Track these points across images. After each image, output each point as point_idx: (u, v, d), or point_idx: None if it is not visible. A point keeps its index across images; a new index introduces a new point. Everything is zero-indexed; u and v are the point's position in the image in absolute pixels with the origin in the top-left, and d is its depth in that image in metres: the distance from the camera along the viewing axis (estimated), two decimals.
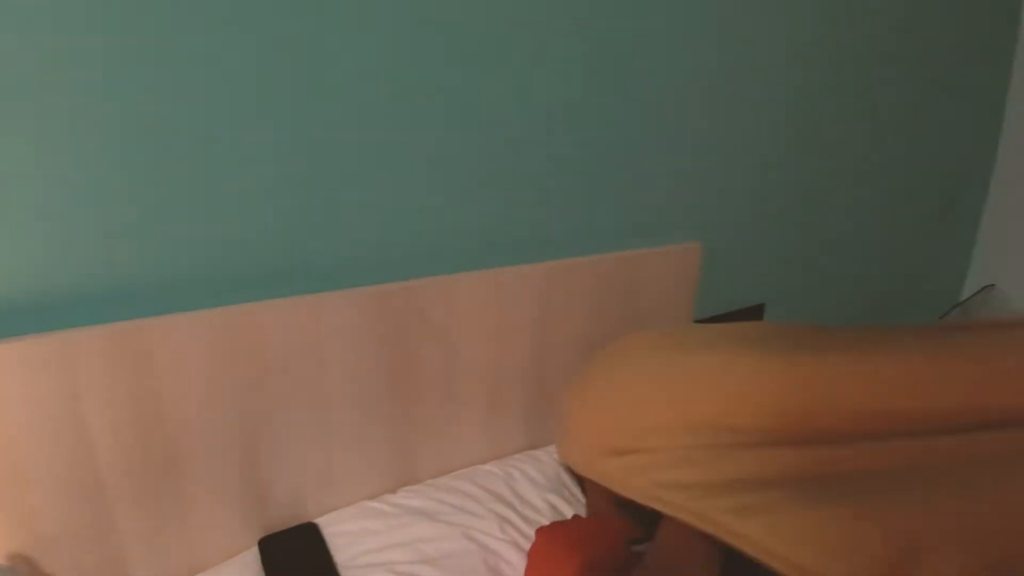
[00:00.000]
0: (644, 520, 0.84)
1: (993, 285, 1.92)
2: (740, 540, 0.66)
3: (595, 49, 1.02)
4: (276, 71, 0.77)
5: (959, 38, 1.68)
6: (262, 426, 0.85)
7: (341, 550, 0.89)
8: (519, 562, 0.87)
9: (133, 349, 0.73)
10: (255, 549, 0.88)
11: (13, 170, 0.66)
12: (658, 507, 0.75)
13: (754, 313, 1.40)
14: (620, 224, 1.16)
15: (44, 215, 0.69)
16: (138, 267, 0.76)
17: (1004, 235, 1.94)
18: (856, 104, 1.50)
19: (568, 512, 1.00)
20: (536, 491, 1.03)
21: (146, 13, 0.68)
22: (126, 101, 0.70)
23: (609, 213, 1.14)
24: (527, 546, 0.89)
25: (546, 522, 0.97)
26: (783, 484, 0.69)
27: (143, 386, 0.75)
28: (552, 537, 0.81)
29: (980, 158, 1.93)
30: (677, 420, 0.79)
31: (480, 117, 0.94)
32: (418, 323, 0.93)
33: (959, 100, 1.77)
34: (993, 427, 0.73)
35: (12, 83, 0.64)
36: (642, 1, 1.05)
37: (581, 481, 1.01)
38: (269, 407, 0.85)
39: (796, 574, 0.62)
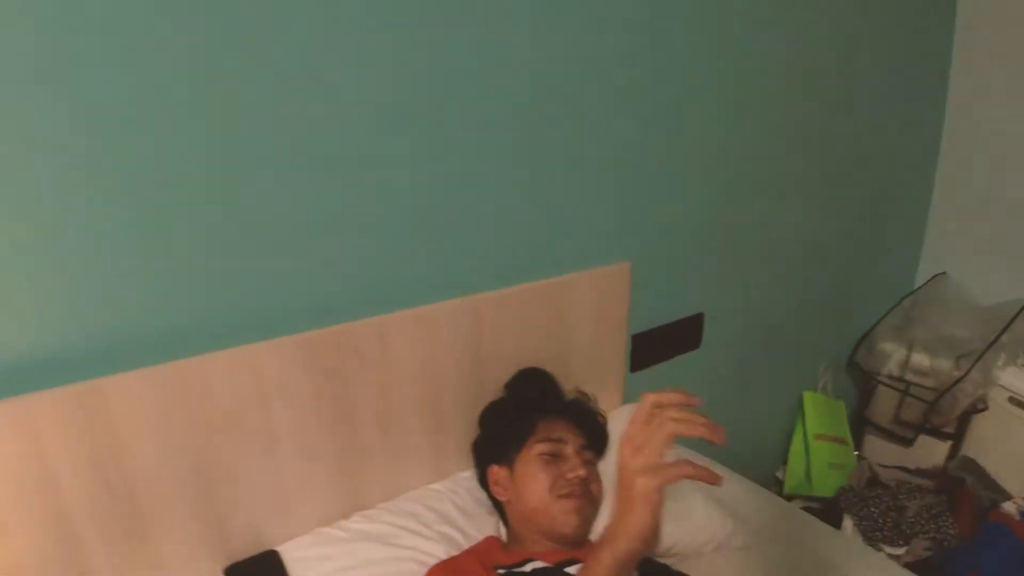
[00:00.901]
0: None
1: (945, 272, 1.98)
2: None
3: (519, 72, 1.08)
4: (206, 127, 0.85)
5: (898, 33, 1.73)
6: (217, 468, 0.93)
7: (300, 575, 0.97)
8: None
9: (91, 406, 0.82)
10: None
11: None
12: None
13: (693, 323, 1.47)
14: (548, 250, 1.21)
15: None
16: (89, 330, 0.83)
17: (952, 223, 1.99)
18: (795, 100, 1.54)
19: None
20: (479, 507, 1.11)
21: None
22: (64, 165, 0.77)
23: (536, 240, 1.20)
24: None
25: (480, 538, 1.05)
26: None
27: (103, 439, 0.83)
28: None
29: (923, 148, 1.98)
30: None
31: (402, 156, 1.01)
32: (355, 362, 1.01)
33: (900, 97, 1.81)
34: None
35: None
36: (568, 27, 1.11)
37: (500, 506, 1.07)
38: (221, 450, 0.93)
39: None
